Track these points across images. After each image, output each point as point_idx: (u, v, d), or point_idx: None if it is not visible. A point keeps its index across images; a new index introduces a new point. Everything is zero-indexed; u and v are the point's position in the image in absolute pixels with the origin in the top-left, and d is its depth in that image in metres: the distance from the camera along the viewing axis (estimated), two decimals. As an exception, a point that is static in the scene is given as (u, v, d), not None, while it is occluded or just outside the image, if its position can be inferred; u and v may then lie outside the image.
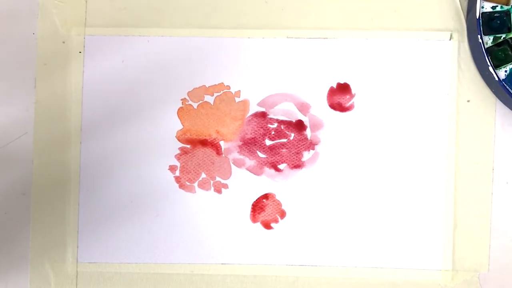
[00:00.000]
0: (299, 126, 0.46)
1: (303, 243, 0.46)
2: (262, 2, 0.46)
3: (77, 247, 0.46)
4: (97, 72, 0.46)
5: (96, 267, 0.46)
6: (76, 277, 0.46)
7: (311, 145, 0.46)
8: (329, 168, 0.46)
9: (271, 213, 0.46)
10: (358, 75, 0.46)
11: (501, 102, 0.45)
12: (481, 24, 0.43)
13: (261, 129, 0.46)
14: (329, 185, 0.46)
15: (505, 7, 0.43)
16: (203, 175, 0.46)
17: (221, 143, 0.46)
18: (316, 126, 0.46)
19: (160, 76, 0.46)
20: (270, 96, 0.46)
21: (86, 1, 0.46)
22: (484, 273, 0.46)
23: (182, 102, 0.46)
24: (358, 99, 0.46)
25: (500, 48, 0.43)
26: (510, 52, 0.43)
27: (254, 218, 0.46)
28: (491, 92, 0.45)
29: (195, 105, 0.46)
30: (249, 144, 0.46)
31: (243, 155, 0.46)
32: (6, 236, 0.46)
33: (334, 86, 0.46)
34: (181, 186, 0.46)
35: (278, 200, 0.46)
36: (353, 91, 0.46)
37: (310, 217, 0.46)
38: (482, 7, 0.43)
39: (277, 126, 0.46)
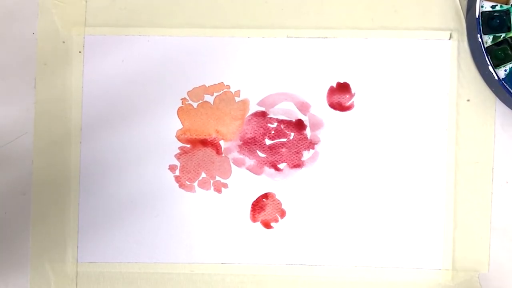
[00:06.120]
0: (299, 125, 0.46)
1: (303, 243, 0.46)
2: (262, 2, 0.46)
3: (77, 247, 0.46)
4: (97, 72, 0.46)
5: (96, 267, 0.46)
6: (76, 277, 0.46)
7: (311, 144, 0.46)
8: (329, 167, 0.46)
9: (271, 213, 0.46)
10: (358, 74, 0.46)
11: (501, 102, 0.45)
12: (480, 24, 0.43)
13: (261, 129, 0.46)
14: (329, 185, 0.46)
15: (505, 6, 0.43)
16: (203, 175, 0.46)
17: (221, 142, 0.46)
18: (316, 125, 0.46)
19: (160, 76, 0.46)
20: (270, 96, 0.46)
21: (86, 1, 0.46)
22: (484, 273, 0.46)
23: (182, 102, 0.46)
24: (358, 98, 0.46)
25: (500, 47, 0.43)
26: (509, 52, 0.43)
27: (254, 218, 0.46)
28: (491, 92, 0.45)
29: (195, 105, 0.46)
30: (249, 144, 0.46)
31: (243, 154, 0.46)
32: (6, 236, 0.46)
33: (334, 85, 0.46)
34: (181, 185, 0.46)
35: (278, 200, 0.46)
36: (353, 91, 0.46)
37: (310, 217, 0.46)
38: (482, 7, 0.43)
39: (277, 125, 0.46)
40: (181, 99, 0.46)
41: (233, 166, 0.46)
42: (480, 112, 0.46)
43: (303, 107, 0.46)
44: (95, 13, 0.46)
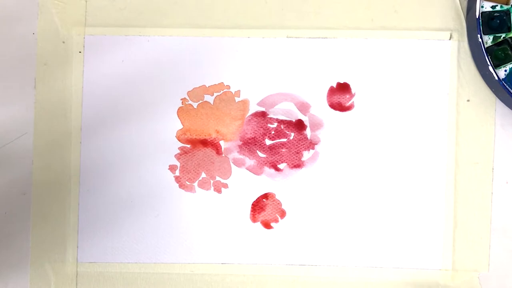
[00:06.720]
0: (299, 125, 0.46)
1: (303, 243, 0.46)
2: (262, 2, 0.46)
3: (77, 247, 0.46)
4: (97, 72, 0.46)
5: (96, 267, 0.46)
6: (76, 277, 0.46)
7: (311, 144, 0.46)
8: (329, 167, 0.46)
9: (271, 213, 0.46)
10: (358, 74, 0.46)
11: (501, 102, 0.45)
12: (481, 24, 0.43)
13: (261, 129, 0.46)
14: (329, 185, 0.46)
15: (505, 7, 0.43)
16: (203, 175, 0.46)
17: (221, 142, 0.46)
18: (316, 125, 0.46)
19: (160, 76, 0.46)
20: (270, 96, 0.46)
21: (86, 1, 0.46)
22: (484, 273, 0.46)
23: (182, 102, 0.46)
24: (358, 98, 0.46)
25: (500, 47, 0.43)
26: (510, 52, 0.43)
27: (254, 218, 0.46)
28: (491, 92, 0.45)
29: (195, 105, 0.46)
30: (249, 144, 0.46)
31: (243, 154, 0.46)
32: (6, 236, 0.46)
33: (334, 85, 0.46)
34: (181, 185, 0.46)
35: (278, 200, 0.46)
36: (353, 91, 0.46)
37: (310, 217, 0.46)
38: (482, 7, 0.43)
39: (277, 125, 0.46)
40: (181, 99, 0.46)
41: (233, 166, 0.46)
42: (480, 112, 0.46)
43: (303, 107, 0.46)
44: (95, 13, 0.46)
